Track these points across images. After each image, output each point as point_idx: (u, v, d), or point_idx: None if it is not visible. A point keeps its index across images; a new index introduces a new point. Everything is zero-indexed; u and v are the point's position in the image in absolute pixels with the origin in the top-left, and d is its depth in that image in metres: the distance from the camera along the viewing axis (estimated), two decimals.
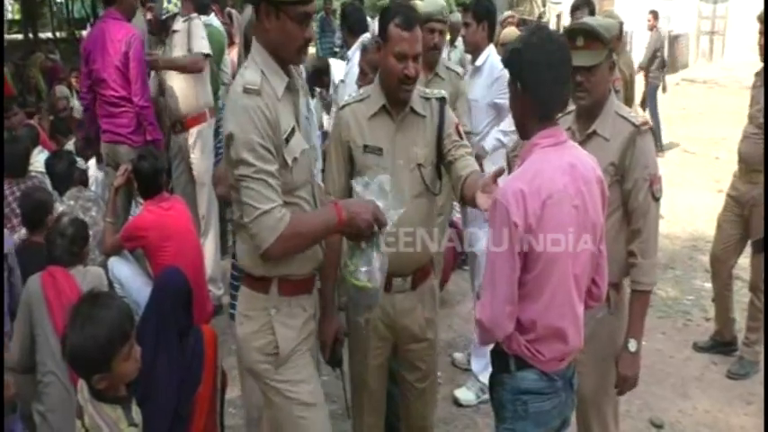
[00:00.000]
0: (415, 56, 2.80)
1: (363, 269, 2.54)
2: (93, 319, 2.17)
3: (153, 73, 5.49)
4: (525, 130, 2.31)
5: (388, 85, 2.85)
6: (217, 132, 2.93)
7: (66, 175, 4.88)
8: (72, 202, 4.71)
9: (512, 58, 2.26)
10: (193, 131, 5.43)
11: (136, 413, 2.32)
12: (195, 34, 5.38)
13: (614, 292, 2.89)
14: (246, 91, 2.35)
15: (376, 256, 2.54)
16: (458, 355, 4.77)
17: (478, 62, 4.45)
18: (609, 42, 2.80)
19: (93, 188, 5.42)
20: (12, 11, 18.62)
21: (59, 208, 4.52)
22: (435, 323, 3.16)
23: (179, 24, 5.40)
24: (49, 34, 17.60)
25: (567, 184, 2.21)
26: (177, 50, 5.40)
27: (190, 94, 5.40)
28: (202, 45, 5.41)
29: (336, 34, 11.84)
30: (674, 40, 20.17)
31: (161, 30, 5.46)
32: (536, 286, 2.24)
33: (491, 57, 4.42)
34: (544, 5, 26.06)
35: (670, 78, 14.36)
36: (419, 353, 3.09)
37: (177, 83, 5.41)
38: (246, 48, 3.03)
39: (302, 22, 2.40)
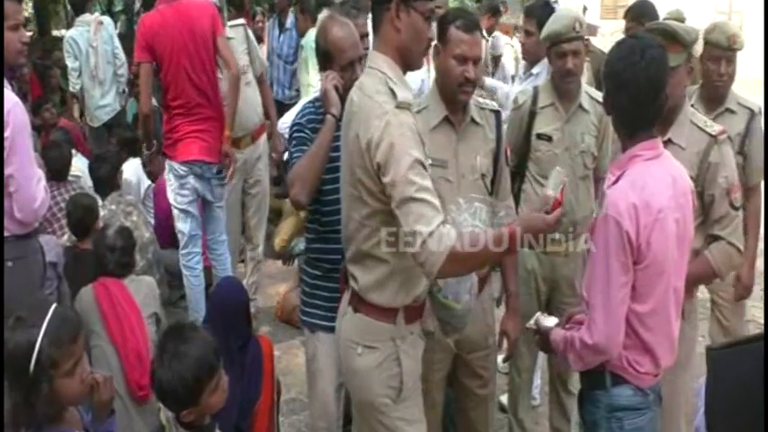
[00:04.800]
0: (475, 59, 2.79)
1: (452, 288, 2.51)
2: (179, 356, 2.15)
3: None
4: (629, 138, 2.28)
5: (447, 88, 2.84)
6: (291, 137, 2.89)
7: (109, 180, 4.82)
8: (114, 207, 4.67)
9: (627, 69, 2.21)
10: (259, 143, 5.23)
11: None
12: (256, 53, 5.22)
13: (688, 298, 2.85)
14: (399, 106, 2.27)
15: (466, 276, 2.52)
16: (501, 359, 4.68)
17: (536, 70, 4.31)
18: (689, 45, 2.75)
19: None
20: (26, 8, 18.56)
21: (101, 213, 4.48)
22: (494, 329, 3.17)
23: (230, 30, 5.07)
24: (64, 31, 17.55)
25: (670, 198, 2.20)
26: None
27: (256, 104, 5.15)
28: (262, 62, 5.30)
29: None
30: None
31: None
32: (640, 300, 2.22)
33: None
34: (556, 1, 25.93)
35: None
36: (481, 360, 3.10)
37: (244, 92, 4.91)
38: (320, 55, 2.98)
39: (428, 19, 2.39)
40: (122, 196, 4.83)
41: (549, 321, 2.50)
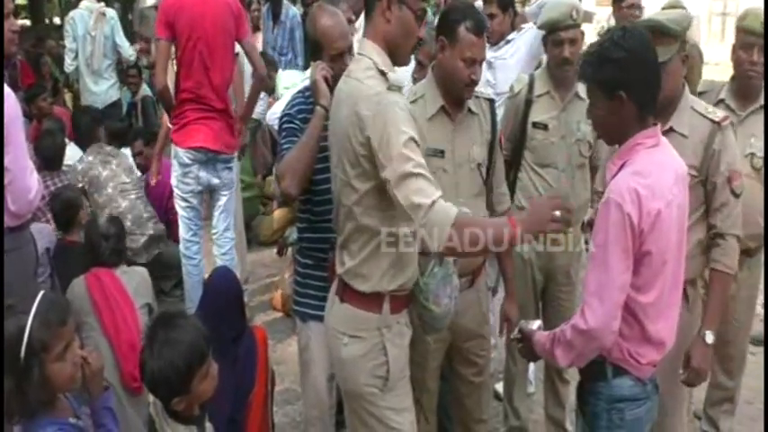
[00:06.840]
0: (481, 61, 2.83)
1: (432, 291, 2.50)
2: (170, 343, 2.13)
3: None
4: (622, 136, 2.24)
5: (452, 86, 2.85)
6: (281, 129, 2.88)
7: (89, 131, 4.86)
8: (91, 158, 4.74)
9: (610, 67, 2.16)
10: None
11: None
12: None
13: (692, 288, 2.88)
14: (391, 88, 2.31)
15: (448, 280, 2.51)
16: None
17: (511, 36, 4.44)
18: (680, 36, 2.73)
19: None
20: None
21: (79, 167, 4.67)
22: (488, 317, 3.20)
23: None
24: (57, 20, 17.45)
25: (673, 185, 2.19)
26: None
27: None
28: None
29: None
30: None
31: None
32: (644, 290, 2.19)
33: (526, 31, 4.39)
34: None
35: None
36: (475, 348, 3.12)
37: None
38: (310, 45, 2.96)
39: (418, 17, 2.39)
40: (102, 147, 4.86)
41: (533, 325, 2.48)
